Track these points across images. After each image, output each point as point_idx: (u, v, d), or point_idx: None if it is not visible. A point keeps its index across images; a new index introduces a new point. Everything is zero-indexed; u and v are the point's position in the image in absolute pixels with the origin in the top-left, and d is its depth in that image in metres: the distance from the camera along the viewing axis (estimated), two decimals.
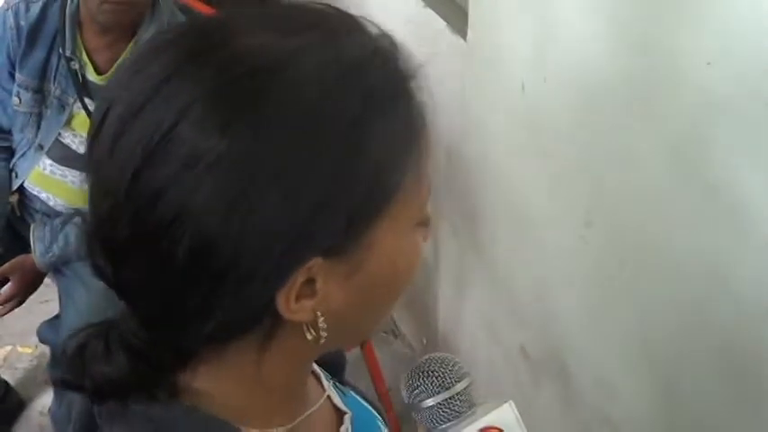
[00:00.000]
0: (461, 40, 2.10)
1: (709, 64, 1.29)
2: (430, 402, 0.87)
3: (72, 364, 0.70)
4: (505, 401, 0.89)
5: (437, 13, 2.25)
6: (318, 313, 0.66)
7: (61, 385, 0.71)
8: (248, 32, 0.63)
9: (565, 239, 1.83)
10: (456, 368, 0.89)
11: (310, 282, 0.64)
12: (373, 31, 0.68)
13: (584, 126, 1.68)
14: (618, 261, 1.68)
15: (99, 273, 0.68)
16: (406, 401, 0.90)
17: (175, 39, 0.64)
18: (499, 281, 2.23)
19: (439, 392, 0.88)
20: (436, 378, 0.88)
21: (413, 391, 0.89)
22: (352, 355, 2.62)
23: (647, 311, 1.62)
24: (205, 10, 2.56)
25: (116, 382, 0.69)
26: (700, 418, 1.52)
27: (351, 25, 0.67)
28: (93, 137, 0.65)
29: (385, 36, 0.68)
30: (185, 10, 2.25)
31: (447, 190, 2.45)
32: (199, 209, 0.59)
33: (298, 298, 0.64)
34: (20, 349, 3.01)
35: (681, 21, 1.34)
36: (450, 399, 0.88)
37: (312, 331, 0.67)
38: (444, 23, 2.20)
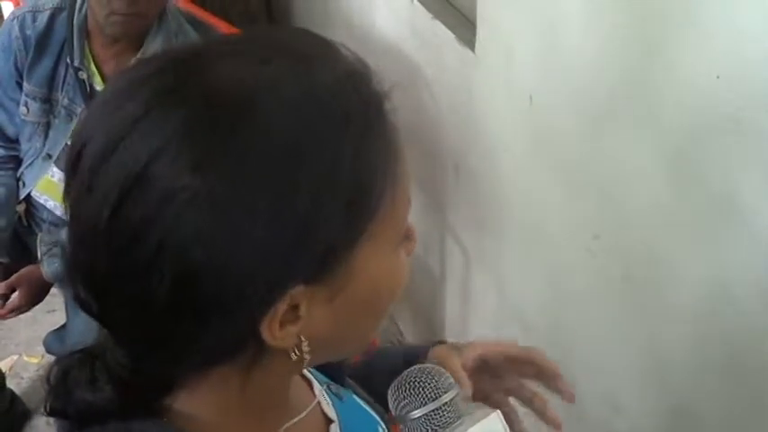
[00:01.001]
0: (469, 52, 2.10)
1: (718, 77, 1.28)
2: (417, 414, 0.87)
3: (56, 391, 0.71)
4: (493, 411, 0.89)
5: (445, 24, 2.25)
6: (302, 337, 0.66)
7: (45, 412, 0.71)
8: (220, 64, 0.63)
9: (572, 252, 1.82)
10: (443, 379, 0.89)
11: (293, 307, 0.64)
12: (345, 54, 0.68)
13: (591, 138, 1.68)
14: (625, 274, 1.67)
15: (81, 304, 0.68)
16: (393, 414, 0.89)
17: (149, 75, 0.64)
18: (505, 293, 2.22)
19: (426, 403, 0.87)
20: (423, 389, 0.88)
21: (399, 402, 0.88)
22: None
23: (654, 325, 1.61)
24: (213, 21, 2.57)
25: (100, 408, 0.69)
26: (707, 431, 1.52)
27: (321, 50, 0.67)
28: (70, 173, 0.65)
29: (356, 59, 0.68)
30: (192, 21, 2.25)
31: (454, 202, 2.45)
32: (179, 245, 0.60)
33: (281, 324, 0.64)
34: (26, 359, 3.01)
35: (689, 34, 1.34)
36: (437, 410, 0.87)
37: (296, 353, 0.68)
38: (452, 35, 2.19)
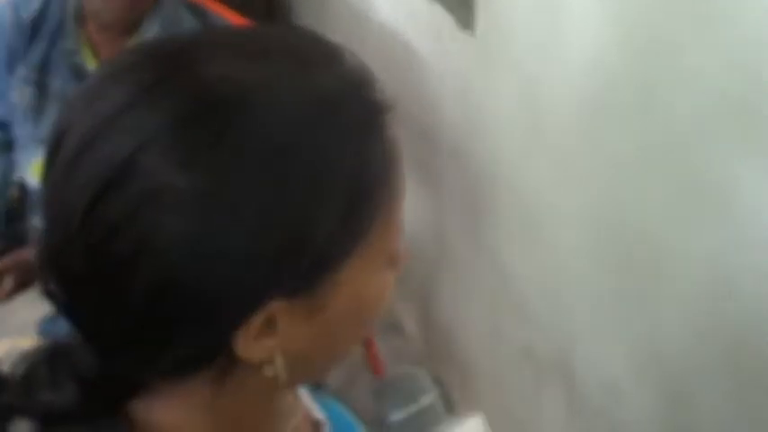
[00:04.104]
0: (469, 35, 2.09)
1: (721, 63, 1.27)
2: (398, 417, 0.86)
3: (17, 390, 0.67)
4: (476, 415, 0.88)
5: (444, 7, 2.23)
6: (276, 352, 0.63)
7: (6, 411, 0.67)
8: (215, 59, 0.60)
9: (572, 240, 1.81)
10: (423, 381, 0.89)
11: (270, 321, 0.61)
12: (348, 60, 0.65)
13: (593, 125, 1.67)
14: (625, 262, 1.67)
15: (50, 296, 0.65)
16: (374, 417, 0.89)
17: (138, 63, 0.61)
18: (504, 280, 2.22)
19: (407, 405, 0.86)
20: (403, 392, 0.87)
21: (380, 406, 0.87)
22: (355, 352, 2.60)
23: (654, 314, 1.60)
24: (211, 5, 2.55)
25: (63, 410, 0.66)
26: (707, 423, 1.51)
27: (324, 54, 0.64)
28: (49, 163, 0.62)
29: (362, 66, 0.65)
30: (190, 5, 2.23)
31: (452, 187, 2.44)
32: (158, 245, 0.56)
33: (256, 337, 0.61)
34: (19, 343, 3.00)
35: (692, 20, 1.33)
36: (418, 412, 0.86)
37: (271, 368, 0.64)
38: (451, 18, 2.18)
